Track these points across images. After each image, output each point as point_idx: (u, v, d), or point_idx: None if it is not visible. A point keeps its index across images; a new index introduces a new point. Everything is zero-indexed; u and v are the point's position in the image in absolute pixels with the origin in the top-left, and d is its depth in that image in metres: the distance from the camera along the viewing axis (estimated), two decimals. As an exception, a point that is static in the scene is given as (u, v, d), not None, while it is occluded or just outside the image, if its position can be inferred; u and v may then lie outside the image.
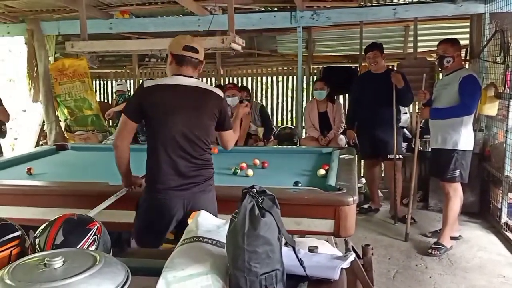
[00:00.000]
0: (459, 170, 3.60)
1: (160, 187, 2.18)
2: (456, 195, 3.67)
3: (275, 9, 5.46)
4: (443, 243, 3.67)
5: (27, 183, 2.85)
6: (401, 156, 4.43)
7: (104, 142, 5.60)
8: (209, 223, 1.58)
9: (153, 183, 2.21)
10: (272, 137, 5.23)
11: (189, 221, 1.73)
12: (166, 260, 1.39)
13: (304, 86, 5.36)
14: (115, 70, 6.64)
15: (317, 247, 1.69)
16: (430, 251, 3.62)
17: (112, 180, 2.61)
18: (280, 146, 4.86)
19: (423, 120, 4.23)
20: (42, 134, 6.09)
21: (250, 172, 3.05)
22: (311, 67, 5.90)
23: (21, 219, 2.18)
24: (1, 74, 9.44)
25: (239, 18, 4.98)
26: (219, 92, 2.27)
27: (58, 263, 1.10)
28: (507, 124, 3.97)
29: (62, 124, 5.96)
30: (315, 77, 5.80)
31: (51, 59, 5.92)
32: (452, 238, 3.80)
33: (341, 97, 5.79)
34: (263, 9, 5.42)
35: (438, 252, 3.60)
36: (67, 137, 5.80)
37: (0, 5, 5.15)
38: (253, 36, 6.13)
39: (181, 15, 5.67)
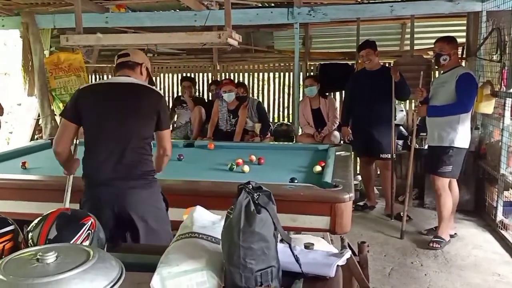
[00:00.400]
0: (451, 167, 3.62)
1: (94, 182, 2.16)
2: (445, 191, 3.68)
3: (272, 5, 5.43)
4: (442, 236, 3.70)
5: (21, 177, 2.83)
6: (390, 156, 4.39)
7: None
8: (205, 219, 1.57)
9: (88, 178, 2.19)
10: (269, 134, 5.22)
11: (184, 216, 1.71)
12: (161, 255, 1.38)
13: (301, 82, 5.35)
14: (111, 65, 6.59)
15: (313, 244, 1.68)
16: (431, 244, 3.66)
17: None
18: (276, 143, 4.85)
19: (419, 118, 4.23)
20: (37, 128, 6.04)
21: (246, 168, 3.04)
22: (308, 63, 5.89)
23: (15, 213, 2.18)
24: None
25: (236, 13, 4.96)
26: (158, 90, 2.31)
27: (51, 258, 1.08)
28: (503, 123, 3.98)
29: (58, 118, 5.91)
30: (312, 73, 5.78)
31: (46, 52, 5.87)
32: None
33: (337, 94, 5.79)
34: (260, 5, 5.39)
35: (438, 246, 3.64)
36: (62, 132, 5.75)
37: (-6, -2, 5.10)
38: (250, 32, 6.11)
39: (178, 10, 5.63)
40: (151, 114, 2.17)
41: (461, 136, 3.61)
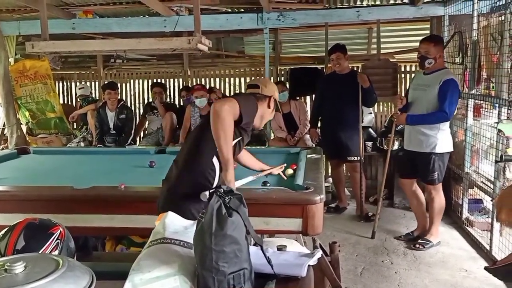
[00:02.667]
0: (436, 173, 3.63)
1: None
2: (438, 194, 3.71)
3: (242, 10, 5.48)
4: (429, 239, 3.74)
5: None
6: (358, 158, 4.46)
7: (68, 145, 5.46)
8: (176, 225, 1.57)
9: None
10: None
11: (156, 223, 1.71)
12: (132, 263, 1.37)
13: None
14: (79, 72, 6.48)
15: (285, 246, 1.71)
16: (417, 245, 3.69)
17: (77, 183, 2.54)
18: (248, 147, 4.85)
19: (387, 120, 4.33)
20: (2, 138, 5.86)
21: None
22: (278, 68, 5.95)
23: (-20, 226, 2.11)
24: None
25: (206, 19, 4.98)
26: None
27: (19, 268, 1.07)
28: (466, 123, 4.11)
29: (24, 128, 5.76)
30: (282, 78, 5.84)
31: (11, 60, 5.72)
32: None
33: (308, 97, 5.87)
34: (230, 10, 5.43)
35: (423, 247, 3.67)
36: (29, 141, 5.62)
37: (-45, 4, 4.94)
38: (220, 37, 6.13)
39: (147, 16, 5.60)
40: None
41: (442, 141, 3.58)
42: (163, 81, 6.20)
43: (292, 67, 5.85)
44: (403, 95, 3.93)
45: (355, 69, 5.17)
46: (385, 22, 5.43)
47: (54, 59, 6.01)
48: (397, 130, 4.23)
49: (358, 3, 5.22)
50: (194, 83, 6.08)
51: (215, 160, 2.00)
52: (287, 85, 5.41)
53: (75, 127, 6.08)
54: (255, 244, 1.43)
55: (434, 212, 3.75)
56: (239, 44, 6.24)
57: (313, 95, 5.70)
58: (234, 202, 1.32)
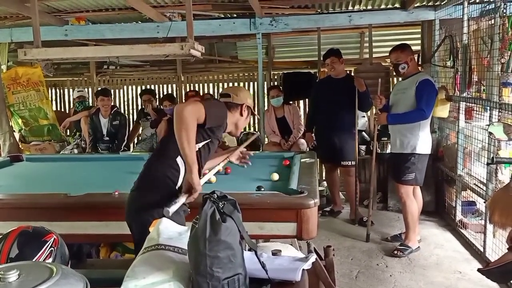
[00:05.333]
0: (414, 174, 3.67)
1: None
2: (409, 198, 3.73)
3: (235, 15, 5.50)
4: (408, 244, 3.73)
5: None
6: (353, 163, 4.48)
7: (61, 152, 5.44)
8: (171, 231, 1.57)
9: None
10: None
11: (151, 229, 1.71)
12: (127, 269, 1.37)
13: (265, 92, 5.42)
14: (72, 78, 6.46)
15: (280, 251, 1.71)
16: (395, 252, 3.68)
17: (71, 190, 2.54)
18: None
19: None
20: (-5, 146, 5.82)
21: (213, 178, 3.03)
22: (272, 72, 5.97)
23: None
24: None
25: (199, 24, 5.00)
26: None
27: (12, 276, 1.06)
28: (458, 125, 4.15)
29: (17, 135, 5.73)
30: (275, 82, 5.87)
31: (3, 67, 5.70)
32: None
33: (301, 102, 5.90)
34: (222, 16, 5.44)
35: (402, 253, 3.66)
36: (22, 148, 5.58)
37: None
38: (213, 43, 6.15)
39: (140, 22, 5.61)
40: None
41: (422, 142, 3.66)
42: (156, 87, 6.20)
43: (285, 71, 5.87)
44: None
45: (350, 73, 5.20)
46: (377, 26, 5.48)
47: (47, 66, 5.99)
48: (379, 129, 4.29)
49: (350, 8, 5.26)
50: (188, 89, 6.09)
51: (179, 160, 2.04)
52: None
53: (68, 134, 6.05)
54: (249, 249, 1.43)
55: (407, 216, 3.75)
56: (232, 49, 6.26)
57: (307, 100, 5.75)
58: (228, 207, 1.32)
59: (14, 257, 1.30)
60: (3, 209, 2.50)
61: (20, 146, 5.63)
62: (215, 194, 1.36)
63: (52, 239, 1.40)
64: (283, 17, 5.21)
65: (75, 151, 5.39)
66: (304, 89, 5.24)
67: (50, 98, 6.09)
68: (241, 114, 2.26)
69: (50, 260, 1.35)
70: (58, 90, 6.53)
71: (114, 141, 5.21)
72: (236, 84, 6.17)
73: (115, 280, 1.36)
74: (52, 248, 1.38)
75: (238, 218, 1.33)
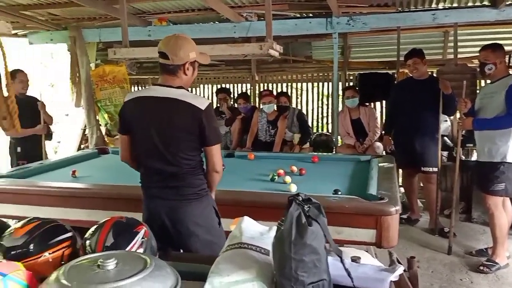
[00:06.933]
0: (504, 184, 3.41)
1: (146, 194, 2.22)
2: (498, 209, 3.48)
3: (311, 15, 5.45)
4: (496, 260, 3.48)
5: (73, 185, 2.95)
6: (435, 169, 4.24)
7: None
8: (253, 230, 1.58)
9: (142, 189, 2.25)
10: (308, 144, 5.20)
11: (231, 227, 1.74)
12: (210, 265, 1.40)
13: (340, 92, 5.32)
14: (153, 76, 6.79)
15: (359, 258, 1.66)
16: (481, 267, 3.45)
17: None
18: (315, 153, 4.82)
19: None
20: (83, 138, 6.28)
21: (288, 179, 3.03)
22: (347, 73, 5.84)
23: (66, 220, 2.26)
24: (44, 79, 9.79)
25: (275, 24, 4.97)
26: (198, 103, 2.06)
27: (111, 265, 1.12)
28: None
29: (103, 129, 6.13)
30: (351, 83, 5.74)
31: (92, 65, 6.11)
32: None
33: (377, 104, 5.71)
34: (298, 15, 5.42)
35: (488, 270, 3.42)
36: (107, 141, 5.96)
37: (44, 13, 5.36)
38: (288, 42, 6.14)
39: (217, 22, 5.74)
40: (188, 129, 2.07)
41: None
42: (231, 86, 6.32)
43: (361, 72, 5.72)
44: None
45: (434, 74, 4.94)
46: (463, 25, 5.14)
47: (131, 64, 6.34)
48: (463, 135, 4.03)
49: (434, 5, 5.00)
50: (261, 88, 6.15)
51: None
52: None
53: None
54: (329, 253, 1.40)
55: (495, 230, 3.48)
56: (307, 48, 6.21)
57: (383, 101, 5.56)
58: (313, 211, 1.30)
59: (109, 245, 1.37)
60: (94, 198, 2.69)
61: (106, 139, 6.02)
62: (300, 197, 1.35)
63: (143, 230, 1.47)
64: (361, 16, 5.07)
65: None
66: (381, 90, 5.07)
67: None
68: (185, 73, 2.12)
69: (141, 251, 1.41)
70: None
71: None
72: (310, 84, 6.13)
73: (198, 274, 1.39)
74: (143, 239, 1.44)
75: (324, 222, 1.30)
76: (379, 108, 5.74)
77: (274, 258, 1.31)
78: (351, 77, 5.85)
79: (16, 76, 4.37)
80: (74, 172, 3.28)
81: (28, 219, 1.46)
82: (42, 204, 2.79)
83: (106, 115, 6.08)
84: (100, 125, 6.07)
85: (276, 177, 3.12)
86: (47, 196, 2.81)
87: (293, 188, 2.80)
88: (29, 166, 3.52)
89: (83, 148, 5.89)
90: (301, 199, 1.34)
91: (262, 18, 5.30)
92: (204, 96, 6.65)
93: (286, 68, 6.28)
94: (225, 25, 5.50)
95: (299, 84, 6.29)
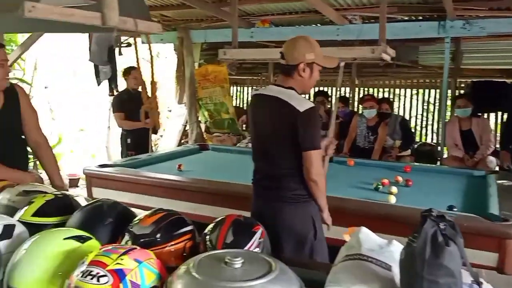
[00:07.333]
0: None
1: (254, 191, 2.24)
2: None
3: (420, 18, 5.16)
4: None
5: (180, 178, 3.08)
6: None
7: (238, 145, 5.86)
8: (372, 242, 1.50)
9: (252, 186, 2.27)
10: (409, 151, 4.94)
11: (345, 236, 1.67)
12: (320, 272, 1.36)
13: (449, 101, 4.96)
14: (252, 77, 6.92)
15: (482, 283, 1.51)
16: None
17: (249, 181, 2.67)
18: (418, 164, 4.54)
19: None
20: (184, 134, 6.60)
21: (394, 189, 2.88)
22: (458, 80, 5.44)
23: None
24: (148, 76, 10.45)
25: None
26: (297, 104, 1.97)
27: (238, 263, 1.11)
28: None
29: (202, 126, 6.39)
30: (461, 91, 5.33)
31: (196, 65, 6.40)
32: None
33: (491, 115, 5.25)
34: (406, 18, 5.16)
35: None
36: (206, 138, 6.21)
37: (156, 14, 5.71)
38: (394, 46, 5.87)
39: (319, 24, 5.68)
40: (287, 131, 2.01)
41: None
42: (329, 90, 6.22)
43: (474, 79, 5.28)
44: None
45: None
46: None
47: (231, 65, 6.53)
48: None
49: None
50: (362, 93, 5.97)
51: None
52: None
53: (244, 128, 6.50)
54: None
55: None
56: (413, 53, 5.89)
57: (498, 113, 5.08)
58: (450, 230, 1.19)
59: (229, 243, 1.38)
60: (200, 193, 2.78)
61: (205, 136, 6.27)
62: (433, 212, 1.25)
63: (260, 230, 1.46)
64: (478, 19, 4.68)
65: (249, 145, 5.76)
66: (498, 101, 4.63)
67: (231, 95, 6.62)
68: (300, 75, 2.04)
69: (258, 251, 1.41)
70: (238, 88, 7.06)
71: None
72: (414, 91, 5.82)
73: (312, 281, 1.35)
74: (261, 240, 1.43)
75: (461, 243, 1.19)
76: (493, 120, 5.26)
77: (401, 276, 1.23)
78: (462, 85, 5.44)
79: (131, 72, 4.70)
80: (179, 166, 3.43)
81: (155, 209, 1.52)
82: (150, 193, 2.96)
83: (206, 113, 6.33)
84: (200, 122, 6.33)
85: (381, 186, 2.98)
86: (156, 186, 2.97)
87: (392, 200, 2.66)
88: (139, 157, 3.77)
89: (183, 143, 6.18)
90: (436, 216, 1.24)
91: (367, 21, 5.14)
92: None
93: (389, 73, 6.02)
94: (327, 28, 5.41)
95: (402, 90, 5.99)
